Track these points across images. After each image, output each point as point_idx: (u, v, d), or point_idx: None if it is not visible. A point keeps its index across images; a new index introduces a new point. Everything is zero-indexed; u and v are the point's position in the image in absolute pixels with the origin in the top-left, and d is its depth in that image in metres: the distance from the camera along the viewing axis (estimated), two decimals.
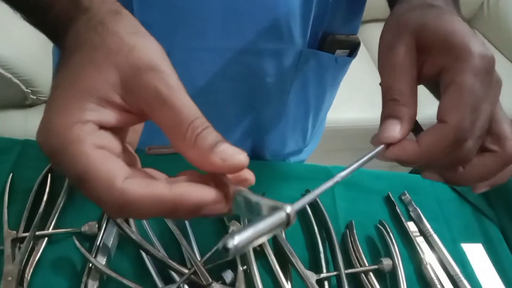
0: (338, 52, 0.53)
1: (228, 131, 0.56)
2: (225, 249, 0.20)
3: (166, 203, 0.23)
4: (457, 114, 0.29)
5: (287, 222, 0.23)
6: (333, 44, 0.52)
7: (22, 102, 1.17)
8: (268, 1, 0.42)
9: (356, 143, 1.54)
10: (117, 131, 0.26)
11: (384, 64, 0.32)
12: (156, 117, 0.25)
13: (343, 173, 0.27)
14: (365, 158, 0.29)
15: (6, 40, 1.06)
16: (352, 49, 0.54)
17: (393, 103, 0.31)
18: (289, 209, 0.22)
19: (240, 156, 0.24)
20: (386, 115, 0.31)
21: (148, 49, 0.26)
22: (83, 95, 0.24)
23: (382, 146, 0.31)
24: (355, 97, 1.55)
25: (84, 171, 0.23)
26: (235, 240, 0.20)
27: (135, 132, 0.31)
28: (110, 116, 0.25)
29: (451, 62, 0.30)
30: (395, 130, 0.30)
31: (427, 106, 1.72)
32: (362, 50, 1.81)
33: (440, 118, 0.29)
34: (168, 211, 0.24)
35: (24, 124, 1.18)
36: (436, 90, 0.32)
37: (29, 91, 1.14)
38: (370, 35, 1.88)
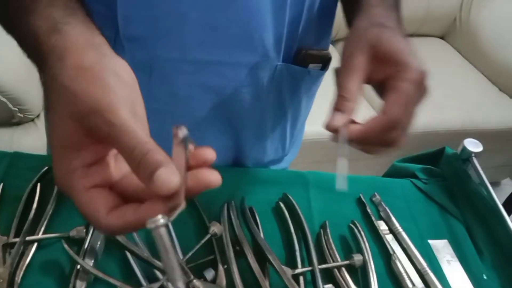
0: (311, 66, 0.57)
1: (208, 139, 0.59)
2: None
3: (136, 225, 0.30)
4: (394, 109, 0.39)
5: None
6: (307, 58, 0.56)
7: (9, 120, 1.19)
8: (242, 17, 0.46)
9: (336, 155, 1.58)
10: (102, 157, 0.32)
11: (343, 66, 0.42)
12: (114, 148, 0.31)
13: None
14: (341, 144, 0.41)
15: None
16: (324, 63, 0.58)
17: (341, 99, 0.41)
18: (156, 223, 0.28)
19: (171, 180, 0.27)
20: (335, 108, 0.42)
21: (87, 93, 0.29)
22: (63, 147, 0.30)
23: (345, 134, 0.41)
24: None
25: (81, 210, 0.30)
26: (174, 284, 0.28)
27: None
28: (90, 155, 0.31)
29: (395, 72, 0.40)
30: (339, 120, 0.41)
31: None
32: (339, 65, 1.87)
33: (383, 111, 0.40)
34: (139, 227, 0.30)
35: (10, 142, 1.19)
36: (379, 90, 0.43)
37: (16, 109, 1.16)
38: None
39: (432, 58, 1.98)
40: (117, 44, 0.48)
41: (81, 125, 0.29)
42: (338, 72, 0.43)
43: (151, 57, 0.49)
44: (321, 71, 0.59)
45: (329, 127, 0.41)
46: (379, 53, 0.41)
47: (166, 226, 0.28)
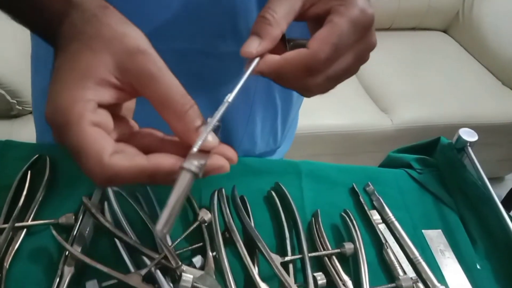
0: None
1: None
2: (157, 234, 0.26)
3: (145, 171, 0.29)
4: (318, 44, 0.33)
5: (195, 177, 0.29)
6: (293, 47, 0.55)
7: (7, 113, 1.19)
8: (226, 5, 0.46)
9: (335, 148, 1.58)
10: (112, 108, 0.31)
11: None
12: (148, 93, 0.30)
13: (232, 94, 0.35)
14: (246, 74, 0.35)
15: None
16: None
17: (261, 20, 0.34)
18: (190, 166, 0.29)
19: (210, 140, 0.31)
20: (252, 31, 0.35)
21: (136, 36, 0.30)
22: (84, 76, 0.29)
23: (257, 59, 0.35)
24: (333, 104, 1.59)
25: (80, 146, 0.28)
26: (158, 225, 0.27)
27: (129, 110, 0.36)
28: (107, 94, 0.30)
29: (336, 6, 0.34)
30: (254, 46, 0.34)
31: (409, 109, 1.74)
32: None
33: (308, 45, 0.34)
34: (147, 178, 0.29)
35: (9, 135, 1.20)
36: (314, 29, 0.36)
37: (15, 101, 1.16)
38: None
39: (435, 52, 1.97)
40: None
41: (119, 62, 0.29)
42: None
43: None
44: None
45: (242, 52, 0.35)
46: None
47: (195, 176, 0.28)
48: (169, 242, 0.49)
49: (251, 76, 0.55)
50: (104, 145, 0.28)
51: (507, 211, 0.55)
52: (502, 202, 1.60)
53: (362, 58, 0.36)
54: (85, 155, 0.28)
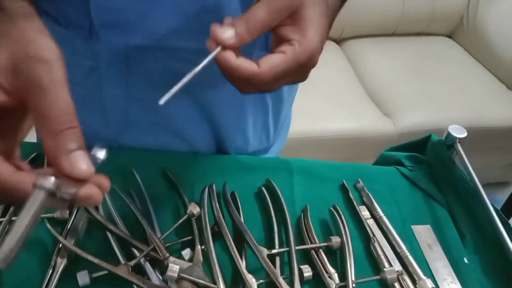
0: None
1: (188, 127, 0.61)
2: None
3: (5, 185, 0.28)
4: (265, 69, 0.37)
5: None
6: None
7: None
8: (212, 3, 0.47)
9: (337, 152, 1.58)
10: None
11: (266, 1, 0.37)
12: (31, 101, 0.29)
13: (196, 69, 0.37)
14: (206, 60, 0.36)
15: None
16: None
17: (242, 21, 0.36)
18: (44, 183, 0.26)
19: (83, 168, 0.28)
20: (227, 21, 0.37)
21: (45, 46, 0.30)
22: None
23: (219, 48, 0.36)
24: (336, 108, 1.60)
25: None
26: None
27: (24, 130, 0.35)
28: None
29: (295, 41, 0.37)
30: (228, 33, 0.36)
31: (413, 114, 1.74)
32: (345, 65, 1.88)
33: (259, 61, 0.37)
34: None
35: None
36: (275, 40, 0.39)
37: None
38: (353, 50, 1.95)
39: (440, 57, 1.97)
40: (92, 33, 0.49)
41: (16, 64, 0.29)
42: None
43: (126, 44, 0.50)
44: None
45: (212, 33, 0.36)
46: (295, 14, 0.37)
47: (51, 195, 0.25)
48: (159, 235, 0.50)
49: None
50: None
51: (508, 217, 0.55)
52: (503, 207, 1.58)
53: (292, 83, 0.41)
54: None
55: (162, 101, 0.34)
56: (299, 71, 0.38)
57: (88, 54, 0.52)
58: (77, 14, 0.49)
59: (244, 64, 0.37)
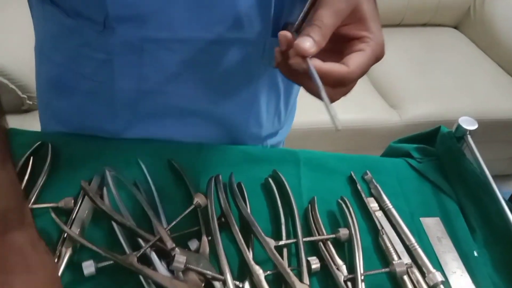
0: None
1: (202, 117, 0.60)
2: None
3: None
4: (354, 67, 0.41)
5: None
6: (297, 31, 0.56)
7: (18, 108, 1.22)
8: None
9: (343, 144, 1.58)
10: None
11: (327, 5, 0.40)
12: None
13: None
14: (315, 74, 0.39)
15: (2, 47, 1.11)
16: None
17: (316, 27, 0.40)
18: None
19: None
20: (305, 33, 0.40)
21: None
22: None
23: (308, 59, 0.40)
24: (342, 100, 1.59)
25: None
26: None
27: None
28: None
29: (367, 38, 0.42)
30: (310, 45, 0.39)
31: (418, 105, 1.73)
32: None
33: (345, 62, 0.41)
34: None
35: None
36: (336, 44, 0.43)
37: (25, 96, 1.19)
38: None
39: (446, 48, 1.95)
40: (106, 26, 0.49)
41: None
42: (319, 6, 0.41)
43: (141, 37, 0.50)
44: None
45: (295, 46, 0.39)
46: (356, 14, 0.42)
47: None
48: (165, 225, 0.50)
49: (255, 62, 0.55)
50: None
51: None
52: (509, 199, 1.58)
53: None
54: None
55: (339, 126, 0.36)
56: (372, 65, 0.42)
57: (100, 46, 0.51)
58: (91, 7, 0.48)
59: (335, 67, 0.40)
